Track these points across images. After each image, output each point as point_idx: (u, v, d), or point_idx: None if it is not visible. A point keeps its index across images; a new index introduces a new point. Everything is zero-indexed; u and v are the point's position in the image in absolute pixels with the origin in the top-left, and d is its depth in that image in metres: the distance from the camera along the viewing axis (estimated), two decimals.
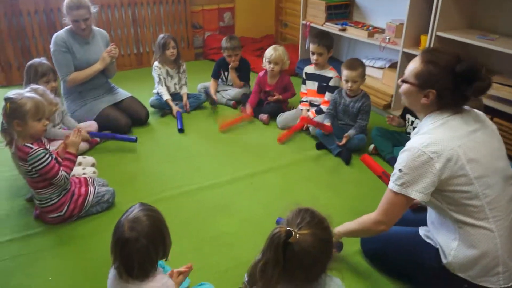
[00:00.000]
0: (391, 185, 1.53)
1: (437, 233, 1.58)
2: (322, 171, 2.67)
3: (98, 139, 2.97)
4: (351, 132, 2.78)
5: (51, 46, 2.91)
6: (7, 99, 1.96)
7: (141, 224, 1.33)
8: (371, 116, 2.94)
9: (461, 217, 1.47)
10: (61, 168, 2.06)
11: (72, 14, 2.85)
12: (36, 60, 2.65)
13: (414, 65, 1.55)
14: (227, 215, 2.24)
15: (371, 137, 2.83)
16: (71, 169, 2.13)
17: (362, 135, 2.80)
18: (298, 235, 1.15)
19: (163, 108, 3.45)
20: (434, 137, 1.46)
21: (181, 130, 3.17)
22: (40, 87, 2.23)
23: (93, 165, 2.63)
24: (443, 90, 1.48)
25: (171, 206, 2.31)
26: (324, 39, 3.09)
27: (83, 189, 2.21)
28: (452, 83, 1.46)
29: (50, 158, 2.01)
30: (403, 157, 1.49)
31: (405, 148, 1.52)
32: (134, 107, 3.23)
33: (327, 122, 2.85)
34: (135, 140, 2.88)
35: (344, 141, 2.74)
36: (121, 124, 3.06)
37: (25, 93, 2.00)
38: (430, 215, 1.68)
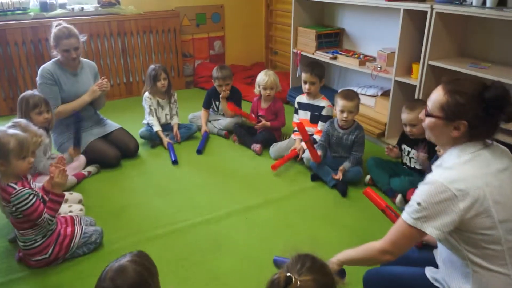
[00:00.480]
0: (406, 216, 1.42)
1: (448, 275, 1.49)
2: (318, 204, 2.59)
3: (85, 173, 2.86)
4: (346, 164, 2.72)
5: (38, 79, 2.84)
6: None
7: (125, 276, 1.23)
8: (365, 147, 2.90)
9: (478, 260, 1.38)
10: (44, 210, 1.95)
11: (62, 44, 2.79)
12: (28, 92, 2.58)
13: (437, 97, 1.47)
14: (223, 254, 2.14)
15: (366, 167, 2.78)
16: (56, 211, 2.00)
17: (357, 167, 2.74)
18: (298, 281, 1.07)
19: (153, 139, 3.37)
20: (461, 173, 1.36)
21: (175, 162, 3.08)
22: (22, 120, 2.15)
23: (80, 201, 2.52)
24: (475, 119, 1.39)
25: (163, 246, 2.20)
26: (316, 68, 3.07)
27: (69, 230, 2.10)
28: (483, 111, 1.38)
29: (34, 199, 1.90)
30: (424, 191, 1.39)
31: (426, 180, 1.41)
32: (123, 139, 3.14)
33: (319, 151, 2.79)
34: (78, 117, 2.82)
35: (339, 174, 2.68)
36: (110, 157, 2.97)
37: (7, 130, 1.91)
38: (441, 254, 1.57)
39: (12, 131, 1.92)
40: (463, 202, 1.32)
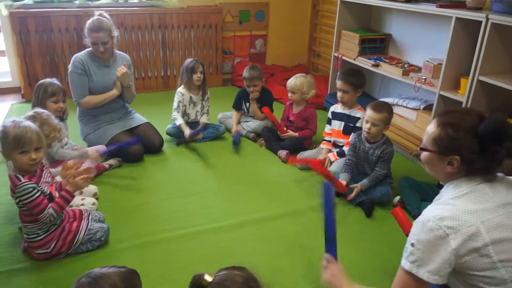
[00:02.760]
0: (403, 261, 1.31)
1: None
2: (339, 222, 2.36)
3: (106, 166, 2.84)
4: (364, 183, 2.50)
5: (69, 67, 2.85)
6: (1, 127, 1.85)
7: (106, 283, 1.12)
8: (400, 164, 2.67)
9: None
10: (49, 205, 1.90)
11: (91, 36, 2.79)
12: (47, 79, 2.59)
13: (431, 130, 1.37)
14: (225, 266, 2.01)
15: (397, 187, 2.55)
16: (62, 209, 1.96)
17: (386, 188, 2.51)
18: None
19: (179, 137, 3.30)
20: (452, 209, 1.25)
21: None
22: (45, 111, 2.14)
23: (94, 194, 2.49)
24: (469, 155, 1.28)
25: (169, 250, 2.11)
26: (352, 76, 2.85)
27: (74, 225, 2.06)
28: (478, 146, 1.27)
29: (37, 194, 1.85)
30: (416, 229, 1.29)
31: (419, 218, 1.31)
32: (148, 134, 3.09)
33: (344, 178, 2.57)
34: (138, 141, 2.81)
35: (353, 194, 2.48)
36: (132, 151, 2.93)
37: (22, 121, 1.88)
38: None
39: (25, 123, 1.86)
40: (455, 240, 1.22)
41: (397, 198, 2.53)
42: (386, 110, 2.46)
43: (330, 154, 2.87)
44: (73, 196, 2.00)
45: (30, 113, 2.17)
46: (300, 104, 3.17)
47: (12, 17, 3.83)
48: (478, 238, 1.21)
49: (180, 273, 1.96)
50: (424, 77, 2.99)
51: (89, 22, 2.78)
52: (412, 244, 1.27)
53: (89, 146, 2.97)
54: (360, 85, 2.87)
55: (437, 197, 1.42)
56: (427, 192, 2.46)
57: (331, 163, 2.79)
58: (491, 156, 1.26)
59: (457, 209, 1.25)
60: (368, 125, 2.48)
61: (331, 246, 1.68)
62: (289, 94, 3.13)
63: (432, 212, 1.27)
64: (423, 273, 1.25)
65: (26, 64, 4.05)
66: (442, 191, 1.38)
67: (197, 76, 3.23)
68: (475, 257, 1.22)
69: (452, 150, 1.30)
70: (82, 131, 3.02)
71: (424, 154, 1.40)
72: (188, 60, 3.27)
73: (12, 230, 2.22)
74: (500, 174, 1.35)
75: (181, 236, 2.22)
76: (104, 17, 2.83)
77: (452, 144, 1.30)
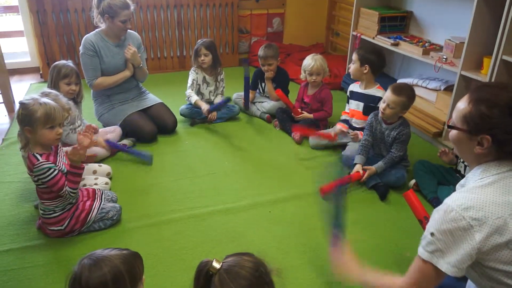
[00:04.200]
0: (420, 250, 1.24)
1: None
2: (353, 205, 2.33)
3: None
4: (379, 165, 2.44)
5: (80, 48, 2.85)
6: (20, 104, 1.88)
7: (98, 271, 1.12)
8: (418, 147, 2.59)
9: None
10: (66, 182, 1.94)
11: (122, 14, 2.76)
12: (62, 61, 2.59)
13: (461, 106, 1.25)
14: (236, 248, 1.99)
15: (413, 171, 2.48)
16: (77, 183, 1.98)
17: (402, 171, 2.45)
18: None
19: (193, 117, 3.29)
20: (479, 199, 1.16)
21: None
22: (52, 91, 2.14)
23: (108, 174, 2.52)
24: (502, 135, 1.17)
25: (177, 230, 2.12)
26: (370, 53, 2.74)
27: (87, 204, 2.09)
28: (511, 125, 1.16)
29: (55, 172, 1.88)
30: (437, 218, 1.20)
31: (441, 206, 1.22)
32: (162, 115, 3.09)
33: (359, 161, 2.51)
34: (149, 160, 2.71)
35: (366, 175, 2.43)
36: (146, 131, 2.94)
37: (40, 98, 1.90)
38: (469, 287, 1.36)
39: (44, 99, 1.90)
40: (480, 232, 1.13)
41: (413, 181, 2.46)
42: (406, 94, 2.36)
43: (358, 133, 2.78)
44: (81, 169, 1.99)
45: (40, 92, 2.18)
46: (314, 86, 3.10)
47: None
48: (505, 232, 1.12)
49: (189, 253, 1.97)
50: (445, 57, 2.87)
51: (113, 1, 2.73)
52: (432, 234, 1.19)
53: (104, 126, 2.99)
54: (372, 61, 2.73)
55: (461, 181, 1.33)
56: (444, 176, 2.39)
57: (340, 134, 2.81)
58: None
59: (484, 199, 1.15)
60: (383, 105, 2.41)
61: (336, 237, 1.59)
62: (312, 77, 3.03)
63: (456, 201, 1.18)
64: (442, 264, 1.17)
65: (44, 44, 4.08)
66: (469, 175, 1.29)
67: (201, 59, 3.21)
68: (500, 251, 1.14)
69: (483, 128, 1.19)
70: (97, 111, 3.04)
71: (452, 133, 1.28)
72: (198, 41, 3.24)
73: (27, 208, 2.27)
74: None
75: (191, 216, 2.23)
76: None
77: (483, 122, 1.19)
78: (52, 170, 1.87)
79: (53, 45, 4.10)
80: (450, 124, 1.30)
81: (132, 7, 2.81)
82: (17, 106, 1.89)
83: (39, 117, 1.84)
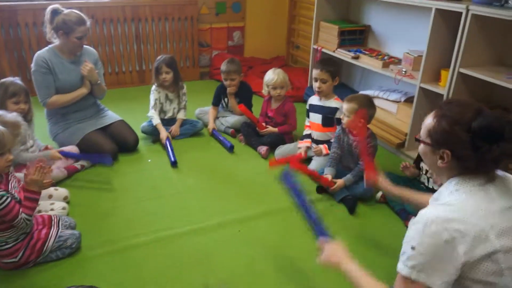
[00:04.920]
0: (400, 266, 1.20)
1: None
2: (324, 220, 2.32)
3: (78, 167, 2.71)
4: (348, 178, 2.46)
5: (32, 66, 2.68)
6: None
7: None
8: (382, 158, 2.62)
9: None
10: (20, 210, 1.79)
11: (78, 31, 2.64)
12: (9, 78, 2.43)
13: (428, 121, 1.30)
14: (205, 272, 1.93)
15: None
16: (33, 209, 1.85)
17: None
18: None
19: (155, 135, 3.18)
20: (459, 211, 1.16)
21: (174, 164, 2.84)
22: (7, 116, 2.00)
23: (65, 198, 2.37)
24: (460, 150, 1.21)
25: (143, 256, 2.01)
26: (328, 64, 2.80)
27: (43, 232, 1.94)
28: (470, 143, 1.19)
29: (8, 200, 1.73)
30: (416, 231, 1.17)
31: (418, 219, 1.19)
32: (122, 132, 2.96)
33: (328, 172, 2.53)
34: (109, 161, 2.61)
35: (335, 187, 2.43)
36: (105, 150, 2.79)
37: None
38: None
39: None
40: (463, 244, 1.12)
41: (379, 193, 2.48)
42: (357, 101, 2.42)
43: (322, 147, 2.80)
44: (38, 193, 1.87)
45: None
46: (278, 100, 3.09)
47: None
48: (487, 244, 1.12)
49: (155, 281, 1.87)
50: (404, 70, 2.94)
51: (68, 17, 2.61)
52: (413, 248, 1.16)
53: (60, 146, 2.82)
54: (336, 73, 2.82)
55: (434, 195, 1.33)
56: (409, 188, 2.41)
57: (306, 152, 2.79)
58: (484, 155, 1.18)
59: (463, 211, 1.16)
60: (342, 116, 2.49)
61: (319, 229, 1.60)
62: (277, 91, 3.01)
63: (434, 213, 1.17)
64: (427, 278, 1.14)
65: None
66: (442, 189, 1.30)
67: (162, 77, 3.13)
68: (482, 263, 1.13)
69: (443, 143, 1.24)
70: (51, 131, 2.87)
71: (420, 146, 1.35)
72: (157, 59, 3.17)
73: None
74: (500, 173, 1.27)
75: (157, 240, 2.12)
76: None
77: (444, 138, 1.24)
78: (4, 198, 1.72)
79: (2, 61, 3.87)
80: (417, 137, 1.36)
81: (88, 23, 2.69)
82: None
83: None
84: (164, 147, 3.03)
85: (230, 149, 3.03)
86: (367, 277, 1.34)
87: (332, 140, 2.76)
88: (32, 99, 2.55)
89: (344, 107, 2.45)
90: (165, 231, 2.19)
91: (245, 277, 1.90)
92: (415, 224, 1.19)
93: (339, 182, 2.45)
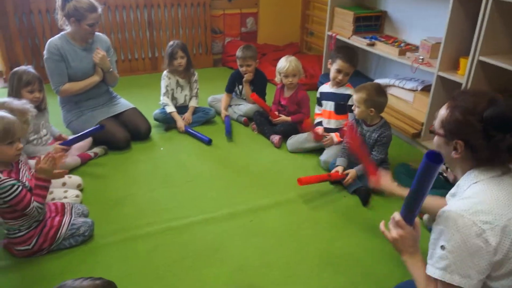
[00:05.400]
0: (430, 270, 1.17)
1: None
2: (335, 211, 2.30)
3: (91, 155, 2.72)
4: (359, 168, 2.41)
5: (44, 53, 2.68)
6: None
7: None
8: (396, 148, 2.57)
9: None
10: (32, 198, 1.80)
11: (89, 18, 2.62)
12: (22, 67, 2.42)
13: (442, 112, 1.29)
14: (217, 262, 1.93)
15: (394, 174, 2.46)
16: (44, 197, 1.86)
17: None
18: None
19: (167, 122, 3.17)
20: (483, 202, 1.14)
21: (210, 141, 2.96)
22: (6, 99, 2.00)
23: (78, 186, 2.38)
24: (474, 140, 1.19)
25: (155, 245, 2.01)
26: (355, 57, 2.75)
27: (56, 220, 1.95)
28: (483, 133, 1.17)
29: (19, 189, 1.74)
30: (443, 230, 1.14)
31: (442, 215, 1.16)
32: (135, 120, 2.96)
33: (340, 163, 2.48)
34: (102, 129, 2.58)
35: (348, 178, 2.39)
36: (118, 138, 2.80)
37: None
38: None
39: (1, 114, 1.76)
40: (494, 237, 1.09)
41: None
42: (365, 90, 2.36)
43: (333, 135, 2.76)
44: (48, 181, 1.88)
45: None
46: (290, 88, 3.04)
47: None
48: None
49: (168, 270, 1.87)
50: (421, 57, 2.86)
51: (79, 4, 2.58)
52: (443, 247, 1.13)
53: (73, 133, 2.83)
54: (357, 64, 2.78)
55: (451, 191, 1.31)
56: None
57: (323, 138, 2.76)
58: (496, 144, 1.16)
59: (488, 202, 1.13)
60: (354, 107, 2.44)
61: (410, 211, 1.27)
62: (289, 79, 2.96)
63: (460, 207, 1.14)
64: (461, 280, 1.11)
65: (6, 48, 3.86)
66: (460, 183, 1.27)
67: (177, 62, 3.09)
68: (509, 257, 1.10)
69: (456, 133, 1.22)
70: (65, 119, 2.88)
71: (434, 138, 1.33)
72: (169, 44, 3.12)
73: None
74: None
75: (168, 229, 2.12)
76: None
77: (457, 128, 1.22)
78: (16, 187, 1.73)
79: (16, 49, 3.88)
80: (431, 129, 1.35)
81: (99, 10, 2.66)
82: None
83: None
84: (187, 133, 3.06)
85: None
86: (420, 274, 1.26)
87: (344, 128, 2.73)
88: (45, 87, 2.55)
89: (353, 97, 2.40)
90: (177, 221, 2.19)
91: (257, 268, 1.89)
92: (440, 224, 1.17)
93: (351, 172, 2.41)
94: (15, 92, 2.34)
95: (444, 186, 2.27)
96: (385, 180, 1.85)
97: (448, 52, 2.64)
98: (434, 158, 1.13)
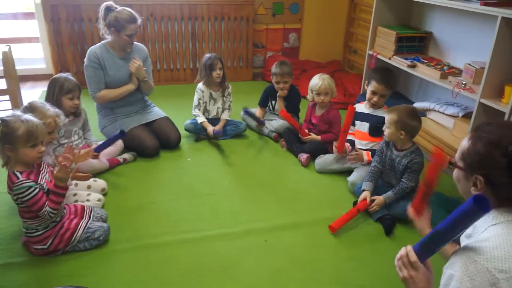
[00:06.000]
0: None
1: None
2: (356, 238, 2.20)
3: (120, 160, 2.78)
4: (388, 195, 2.28)
5: (85, 60, 2.80)
6: (1, 121, 1.79)
7: None
8: None
9: None
10: (46, 202, 1.85)
11: (129, 28, 2.71)
12: (62, 74, 2.54)
13: (463, 143, 1.19)
14: (225, 279, 1.89)
15: None
16: (58, 204, 1.88)
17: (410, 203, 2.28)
18: None
19: (198, 133, 3.20)
20: (501, 247, 1.03)
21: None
22: (37, 101, 2.11)
23: (102, 190, 2.44)
24: (495, 177, 1.09)
25: (167, 255, 2.01)
26: (391, 78, 2.65)
27: (74, 222, 2.00)
28: (506, 170, 1.07)
29: (35, 191, 1.80)
30: (454, 276, 1.05)
31: (454, 260, 1.07)
32: (166, 129, 3.01)
33: (366, 188, 2.36)
34: (123, 135, 2.52)
35: (373, 205, 2.27)
36: (147, 146, 2.86)
37: (22, 115, 1.83)
38: None
39: (26, 116, 1.83)
40: (508, 287, 0.98)
41: None
42: (397, 112, 2.24)
43: (364, 152, 2.66)
44: (64, 189, 1.90)
45: (25, 105, 2.14)
46: (322, 106, 2.97)
47: (44, 5, 3.87)
48: None
49: (175, 282, 1.85)
50: (464, 82, 2.70)
51: (121, 15, 2.69)
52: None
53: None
54: (395, 86, 2.66)
55: (467, 232, 1.20)
56: None
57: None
58: None
59: (507, 247, 1.03)
60: (385, 128, 2.32)
61: (430, 251, 1.17)
62: (320, 97, 2.90)
63: (472, 252, 1.05)
64: None
65: (58, 52, 4.08)
66: (477, 223, 1.16)
67: (216, 73, 3.10)
68: None
69: (477, 168, 1.13)
70: (100, 123, 2.98)
71: (454, 171, 1.23)
72: (206, 56, 3.14)
73: (17, 222, 2.20)
74: None
75: (183, 241, 2.11)
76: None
77: (477, 161, 1.12)
78: (32, 189, 1.79)
79: (66, 53, 4.10)
80: (451, 161, 1.26)
81: (139, 21, 2.75)
82: None
83: (20, 135, 1.76)
84: (216, 135, 3.10)
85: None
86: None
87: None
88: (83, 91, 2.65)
89: (385, 118, 2.29)
90: (192, 233, 2.18)
91: (266, 287, 1.83)
92: (451, 268, 1.07)
93: (378, 199, 2.30)
94: (55, 99, 2.44)
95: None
96: (423, 220, 1.59)
97: (492, 78, 2.48)
98: (482, 202, 1.00)
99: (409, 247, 1.19)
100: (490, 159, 1.09)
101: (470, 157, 1.14)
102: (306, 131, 3.00)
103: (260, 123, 3.27)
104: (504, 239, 1.05)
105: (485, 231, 1.11)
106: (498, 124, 1.14)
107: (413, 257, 1.16)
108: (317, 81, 2.87)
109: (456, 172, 1.22)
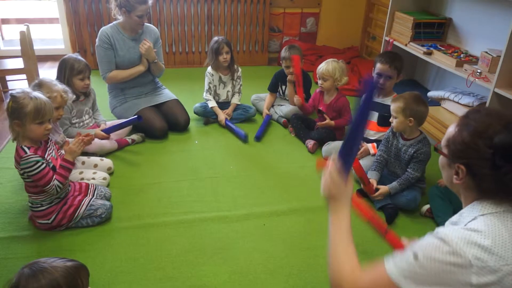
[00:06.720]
0: (390, 266, 1.03)
1: None
2: (356, 226, 2.16)
3: (129, 141, 2.83)
4: (393, 186, 2.24)
5: (96, 40, 2.83)
6: (11, 97, 1.85)
7: (37, 282, 1.08)
8: (437, 166, 2.34)
9: None
10: (54, 177, 1.91)
11: (139, 9, 2.73)
12: (72, 55, 2.58)
13: (449, 130, 1.13)
14: (219, 261, 1.91)
15: (428, 195, 2.27)
16: (65, 178, 1.96)
17: (414, 193, 2.23)
18: None
19: (207, 116, 3.21)
20: (494, 237, 0.97)
21: (246, 137, 2.96)
22: (46, 79, 2.15)
23: (109, 169, 2.49)
24: (477, 168, 1.04)
25: (165, 235, 2.04)
26: (396, 60, 2.56)
27: (77, 199, 2.06)
28: (489, 161, 1.01)
29: (42, 166, 1.86)
30: (430, 244, 1.00)
31: (438, 232, 1.01)
32: (175, 112, 3.03)
33: (372, 177, 2.32)
34: (138, 119, 2.63)
35: (377, 194, 2.23)
36: (156, 128, 2.89)
37: (31, 92, 1.88)
38: None
39: (35, 94, 1.88)
40: (479, 276, 0.93)
41: (426, 207, 2.25)
42: (403, 99, 2.20)
43: (370, 145, 2.62)
44: (73, 164, 1.99)
45: (35, 82, 2.18)
46: (331, 93, 2.92)
47: None
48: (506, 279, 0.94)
49: (170, 261, 1.89)
50: (479, 70, 2.61)
51: None
52: (416, 257, 1.00)
53: (117, 118, 2.98)
54: (402, 69, 2.59)
55: (453, 218, 1.15)
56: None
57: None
58: (502, 177, 1.00)
59: (499, 238, 0.98)
60: (392, 118, 2.27)
61: (347, 154, 1.18)
62: (320, 82, 2.88)
63: (458, 233, 0.99)
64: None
65: (75, 33, 4.15)
66: (464, 212, 1.11)
67: (222, 58, 3.09)
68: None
69: (460, 156, 1.07)
70: (111, 104, 3.03)
71: (440, 157, 1.18)
72: (214, 39, 3.13)
73: (25, 197, 2.26)
74: None
75: (182, 222, 2.15)
76: None
77: (461, 150, 1.07)
78: (39, 163, 1.85)
79: (84, 34, 4.16)
80: (435, 146, 1.17)
81: (150, 2, 2.76)
82: None
83: (28, 112, 1.81)
84: (227, 128, 3.09)
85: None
86: (348, 245, 1.20)
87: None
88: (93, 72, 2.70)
89: (391, 108, 2.24)
90: (192, 214, 2.20)
91: (258, 273, 1.84)
92: (431, 238, 1.02)
93: (383, 189, 2.26)
94: (66, 80, 2.49)
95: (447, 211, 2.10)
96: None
97: (508, 67, 2.38)
98: (367, 82, 1.05)
99: (334, 156, 1.20)
100: (474, 149, 1.03)
101: (455, 144, 1.09)
102: (325, 114, 2.92)
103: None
104: (494, 233, 0.99)
105: (474, 221, 1.06)
106: (487, 112, 1.08)
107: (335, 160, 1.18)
108: (323, 64, 2.83)
109: (441, 159, 1.17)
